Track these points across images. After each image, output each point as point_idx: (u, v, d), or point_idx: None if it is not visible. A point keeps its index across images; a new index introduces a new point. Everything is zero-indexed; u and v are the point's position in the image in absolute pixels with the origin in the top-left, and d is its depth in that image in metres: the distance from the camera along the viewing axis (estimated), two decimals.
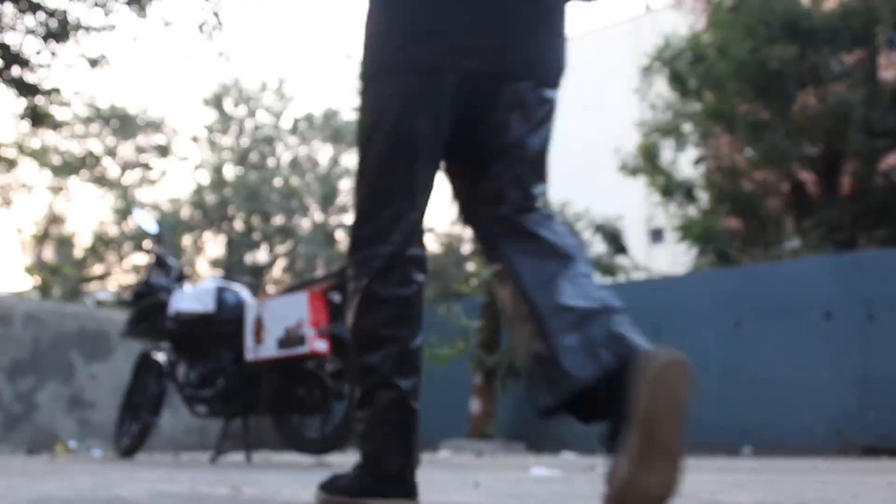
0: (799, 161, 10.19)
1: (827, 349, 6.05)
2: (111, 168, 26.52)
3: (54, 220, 26.58)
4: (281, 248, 27.02)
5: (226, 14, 9.23)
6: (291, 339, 3.63)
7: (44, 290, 25.70)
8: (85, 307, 8.21)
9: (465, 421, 7.18)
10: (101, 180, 25.85)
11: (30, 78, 7.65)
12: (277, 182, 25.88)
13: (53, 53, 7.75)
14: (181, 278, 4.45)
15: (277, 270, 27.28)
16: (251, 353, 3.78)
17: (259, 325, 3.76)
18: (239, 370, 3.95)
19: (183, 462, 4.19)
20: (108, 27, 8.09)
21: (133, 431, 4.41)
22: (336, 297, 3.73)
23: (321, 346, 3.61)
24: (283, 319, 3.67)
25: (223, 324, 4.06)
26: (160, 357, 4.44)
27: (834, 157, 10.04)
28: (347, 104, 33.16)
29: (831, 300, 6.11)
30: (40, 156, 21.38)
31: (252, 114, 28.88)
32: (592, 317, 1.31)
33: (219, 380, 4.01)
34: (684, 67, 11.45)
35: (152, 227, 4.51)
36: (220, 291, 4.19)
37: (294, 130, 29.26)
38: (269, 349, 3.71)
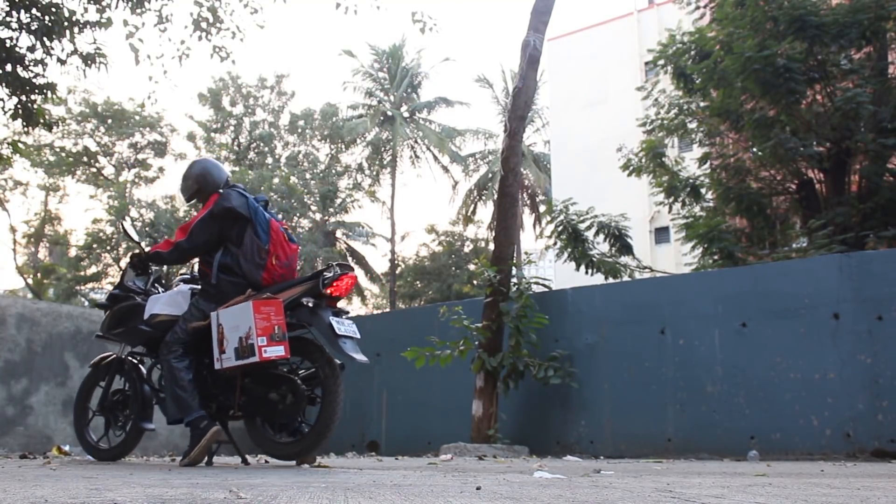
0: (806, 159, 10.09)
1: (835, 350, 5.96)
2: (106, 166, 26.50)
3: (49, 219, 26.51)
4: None
5: (223, 9, 9.13)
6: (244, 348, 3.65)
7: (37, 290, 25.67)
8: (80, 308, 8.09)
9: (466, 423, 7.10)
10: (97, 178, 25.80)
11: (23, 74, 7.57)
12: (276, 180, 25.81)
13: (48, 49, 7.67)
14: (158, 282, 4.47)
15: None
16: (217, 362, 3.78)
17: (221, 334, 3.75)
18: (212, 375, 3.92)
19: (179, 465, 4.13)
20: (103, 23, 8.00)
21: (120, 436, 4.42)
22: (309, 302, 3.73)
23: (273, 352, 3.62)
24: (236, 329, 3.69)
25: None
26: (134, 360, 4.42)
27: (842, 155, 9.93)
28: (345, 101, 33.12)
29: (839, 300, 6.03)
30: (28, 153, 21.30)
31: (250, 111, 28.80)
32: None
33: None
34: (689, 64, 11.36)
35: (136, 236, 4.51)
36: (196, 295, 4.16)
37: (292, 128, 29.18)
38: (230, 359, 3.71)
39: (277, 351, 3.62)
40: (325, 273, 3.83)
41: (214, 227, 3.96)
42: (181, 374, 3.82)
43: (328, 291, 3.76)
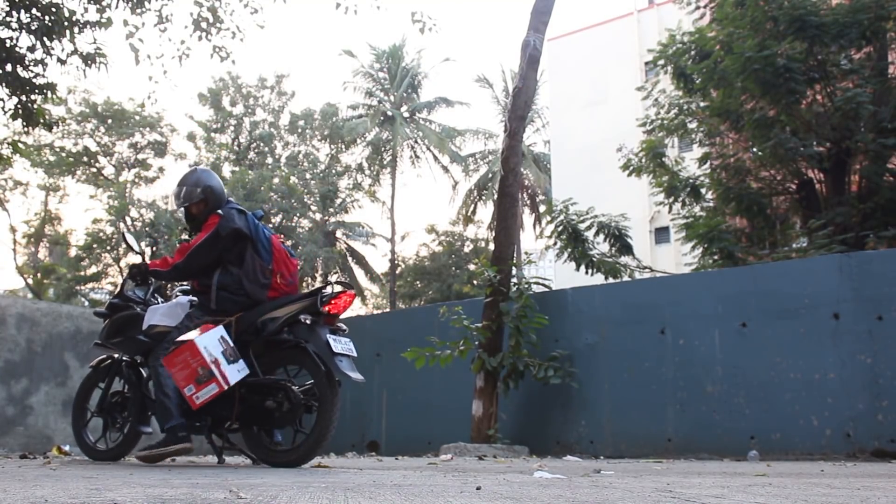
0: (806, 159, 10.10)
1: (835, 350, 5.96)
2: (106, 166, 26.48)
3: (49, 219, 26.49)
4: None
5: (223, 9, 9.14)
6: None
7: (37, 290, 25.67)
8: (80, 308, 8.11)
9: (466, 423, 7.10)
10: (97, 178, 25.79)
11: (23, 74, 7.57)
12: (276, 180, 25.81)
13: (48, 49, 7.67)
14: (157, 293, 4.51)
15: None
16: None
17: None
18: None
19: (180, 465, 4.16)
20: (103, 23, 8.01)
21: (118, 438, 4.47)
22: (307, 319, 3.76)
23: (205, 394, 3.64)
24: None
25: None
26: (135, 363, 4.45)
27: (842, 155, 9.94)
28: (345, 101, 33.11)
29: (839, 300, 6.02)
30: (28, 153, 21.26)
31: (250, 111, 28.78)
32: None
33: None
34: (689, 64, 11.37)
35: (136, 246, 4.55)
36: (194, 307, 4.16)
37: (292, 128, 29.17)
38: None
39: (209, 391, 3.64)
40: (323, 290, 3.86)
41: (217, 249, 3.94)
42: (166, 380, 3.83)
43: (326, 309, 3.79)
